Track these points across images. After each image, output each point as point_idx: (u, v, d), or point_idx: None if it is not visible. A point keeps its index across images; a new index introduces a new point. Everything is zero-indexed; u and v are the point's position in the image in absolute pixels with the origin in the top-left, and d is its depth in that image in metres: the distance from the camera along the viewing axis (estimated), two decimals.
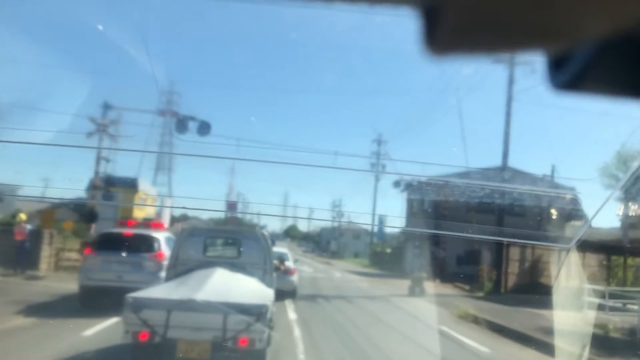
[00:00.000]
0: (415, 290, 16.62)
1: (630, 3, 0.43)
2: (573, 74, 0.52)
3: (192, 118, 13.30)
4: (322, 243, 60.26)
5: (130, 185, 27.50)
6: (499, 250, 19.42)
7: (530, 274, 19.48)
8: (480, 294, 19.09)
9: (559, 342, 5.84)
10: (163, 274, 9.28)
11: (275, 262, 9.28)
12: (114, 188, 25.05)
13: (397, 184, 23.08)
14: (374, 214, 41.08)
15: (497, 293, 19.07)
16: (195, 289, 6.48)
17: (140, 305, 5.99)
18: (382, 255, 40.18)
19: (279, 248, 14.86)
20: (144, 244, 11.33)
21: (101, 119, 18.54)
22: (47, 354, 7.35)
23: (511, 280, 19.68)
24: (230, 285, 6.99)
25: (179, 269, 7.99)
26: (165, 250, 11.01)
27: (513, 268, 19.68)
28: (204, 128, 12.33)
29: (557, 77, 0.54)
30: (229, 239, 9.42)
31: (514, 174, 19.22)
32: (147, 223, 13.41)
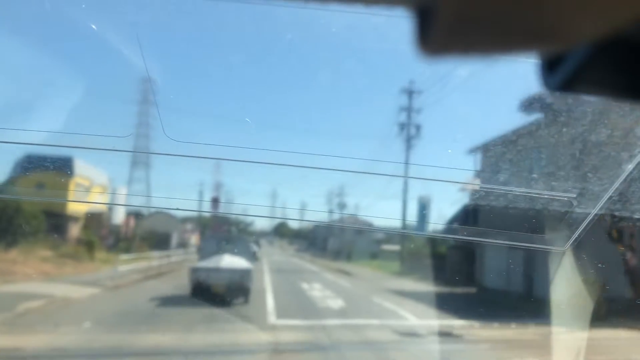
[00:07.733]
0: None
1: (623, 5, 0.43)
2: (566, 75, 0.52)
3: None
4: (317, 241, 50.59)
5: (60, 167, 17.46)
6: None
7: None
8: None
9: None
10: None
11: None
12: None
13: None
14: (405, 199, 28.76)
15: None
16: (218, 262, 14.78)
17: (196, 269, 14.62)
18: (423, 259, 29.49)
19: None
20: None
21: None
22: None
23: None
24: (233, 261, 15.19)
25: (204, 254, 16.76)
26: None
27: None
28: None
29: (550, 79, 0.54)
30: (229, 239, 20.09)
31: None
32: None
